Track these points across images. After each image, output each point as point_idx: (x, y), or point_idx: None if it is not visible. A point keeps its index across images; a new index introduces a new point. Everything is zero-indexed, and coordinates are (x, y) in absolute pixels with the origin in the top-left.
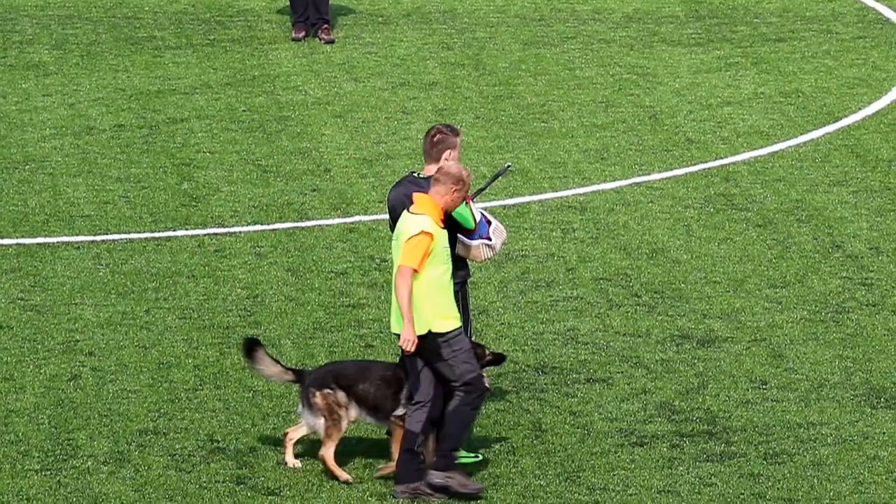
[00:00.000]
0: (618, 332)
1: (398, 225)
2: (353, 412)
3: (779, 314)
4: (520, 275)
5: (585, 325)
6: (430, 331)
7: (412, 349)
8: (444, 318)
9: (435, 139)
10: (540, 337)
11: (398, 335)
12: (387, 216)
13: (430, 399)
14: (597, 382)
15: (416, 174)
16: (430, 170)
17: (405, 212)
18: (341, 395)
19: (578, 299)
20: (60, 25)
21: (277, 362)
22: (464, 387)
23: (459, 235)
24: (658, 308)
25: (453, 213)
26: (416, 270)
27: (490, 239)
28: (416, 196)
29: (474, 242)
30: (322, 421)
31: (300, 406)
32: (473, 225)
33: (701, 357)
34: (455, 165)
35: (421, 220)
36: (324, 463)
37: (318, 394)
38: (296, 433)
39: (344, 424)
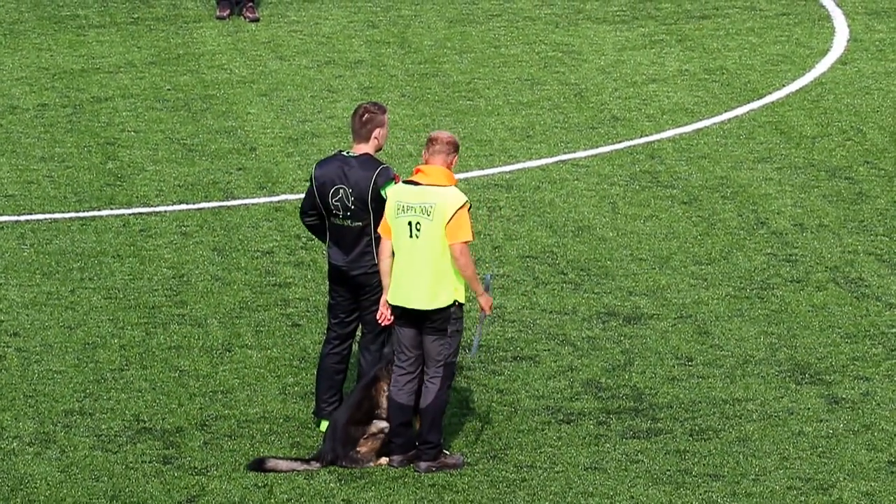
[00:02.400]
0: (544, 310)
1: (420, 198)
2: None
3: (704, 291)
4: None
5: (512, 303)
6: (455, 301)
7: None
8: (463, 290)
9: (364, 118)
10: (466, 315)
11: (435, 311)
12: None
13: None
14: (523, 360)
15: (344, 153)
16: (360, 148)
17: (423, 186)
18: (375, 426)
19: (505, 277)
20: None
21: (289, 459)
22: (444, 368)
23: None
24: (584, 285)
25: (383, 194)
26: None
27: None
28: (429, 168)
29: None
30: (375, 461)
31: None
32: None
33: (627, 334)
34: (446, 133)
35: (455, 191)
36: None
37: (359, 447)
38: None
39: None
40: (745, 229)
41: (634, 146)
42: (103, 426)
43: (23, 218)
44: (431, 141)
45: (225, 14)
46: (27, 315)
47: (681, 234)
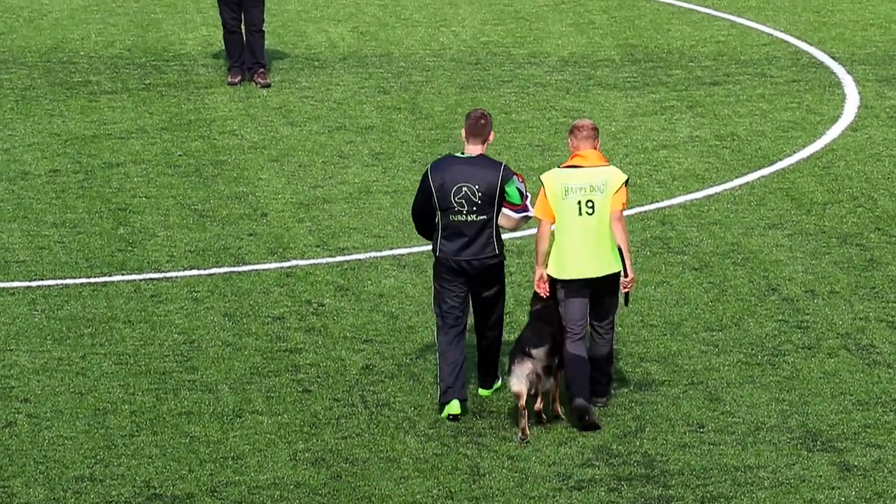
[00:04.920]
0: None
1: (589, 178)
2: None
3: (715, 357)
4: None
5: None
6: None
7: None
8: None
9: (482, 122)
10: (477, 380)
11: (607, 276)
12: (328, 259)
13: None
14: (534, 426)
15: (456, 154)
16: (475, 149)
17: (587, 168)
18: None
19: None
20: None
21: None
22: (614, 320)
23: (505, 209)
24: None
25: (507, 188)
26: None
27: (529, 211)
28: (586, 152)
29: (518, 216)
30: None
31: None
32: (521, 201)
33: (638, 400)
34: (587, 120)
35: (615, 169)
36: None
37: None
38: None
39: None
40: (756, 296)
41: (645, 212)
42: (113, 492)
43: (34, 283)
44: (577, 129)
45: (236, 80)
46: (38, 381)
47: (692, 300)
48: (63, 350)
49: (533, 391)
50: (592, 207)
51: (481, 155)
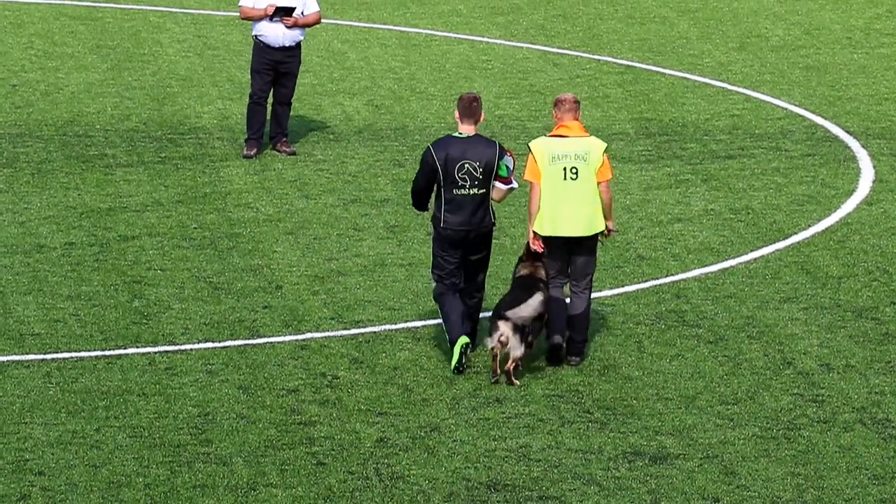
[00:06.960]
0: (570, 449)
1: (573, 147)
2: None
3: (730, 431)
4: (472, 391)
5: (538, 442)
6: (606, 227)
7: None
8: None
9: (475, 104)
10: (492, 454)
11: (590, 236)
12: (343, 332)
13: None
14: (549, 500)
15: (454, 135)
16: (470, 129)
17: (571, 138)
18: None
19: (530, 416)
20: (11, 144)
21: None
22: (591, 280)
23: (497, 182)
24: (610, 425)
25: (501, 164)
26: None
27: (514, 184)
28: (570, 124)
29: (506, 188)
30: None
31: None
32: (508, 175)
33: (653, 474)
34: (569, 94)
35: (596, 139)
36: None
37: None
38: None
39: None
40: (771, 369)
41: (660, 285)
42: None
43: (49, 356)
44: (561, 102)
45: (252, 153)
46: (52, 454)
47: (707, 374)
48: (77, 423)
49: (505, 351)
50: (576, 174)
51: (477, 135)
